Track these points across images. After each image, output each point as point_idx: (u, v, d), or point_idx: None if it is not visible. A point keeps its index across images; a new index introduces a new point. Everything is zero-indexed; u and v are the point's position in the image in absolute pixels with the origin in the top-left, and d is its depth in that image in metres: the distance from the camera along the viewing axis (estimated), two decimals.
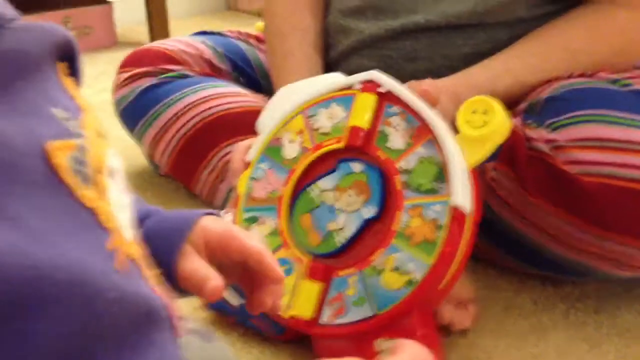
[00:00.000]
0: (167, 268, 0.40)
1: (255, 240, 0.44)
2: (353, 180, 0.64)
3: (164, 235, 0.41)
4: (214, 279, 0.40)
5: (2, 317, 0.22)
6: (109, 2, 1.95)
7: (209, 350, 0.50)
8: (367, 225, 0.63)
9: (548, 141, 0.68)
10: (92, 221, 0.28)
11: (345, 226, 0.64)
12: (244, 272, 0.45)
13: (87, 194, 0.28)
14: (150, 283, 0.31)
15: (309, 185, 0.66)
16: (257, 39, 1.07)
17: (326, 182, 0.65)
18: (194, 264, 0.41)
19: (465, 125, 0.60)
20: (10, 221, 0.24)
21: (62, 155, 0.27)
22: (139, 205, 0.41)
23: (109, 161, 0.30)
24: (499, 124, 0.60)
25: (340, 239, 0.64)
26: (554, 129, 0.69)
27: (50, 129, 0.27)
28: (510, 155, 0.70)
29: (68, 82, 0.31)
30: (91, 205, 0.28)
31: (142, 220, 0.42)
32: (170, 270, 0.41)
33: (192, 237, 0.42)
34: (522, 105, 0.76)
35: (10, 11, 0.29)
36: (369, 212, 0.63)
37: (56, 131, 0.27)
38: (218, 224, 0.43)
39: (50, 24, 0.30)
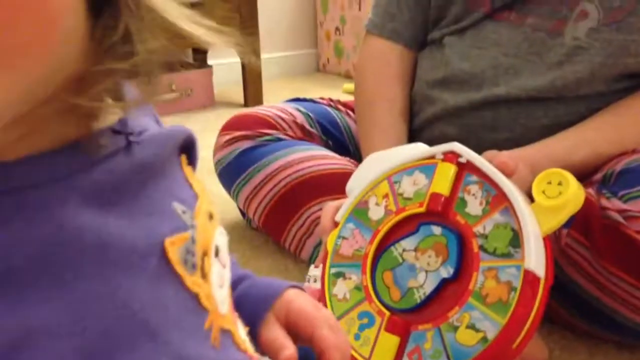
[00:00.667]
0: (251, 331, 0.44)
1: (327, 327, 0.46)
2: (433, 242, 0.70)
3: (252, 301, 0.46)
4: (288, 350, 0.44)
5: None
6: (209, 66, 2.10)
7: None
8: (444, 285, 0.68)
9: (622, 211, 0.72)
10: (194, 304, 0.33)
11: (424, 284, 0.69)
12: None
13: (192, 281, 0.32)
14: (241, 347, 0.37)
15: (391, 244, 0.72)
16: (346, 105, 1.15)
17: (408, 243, 0.71)
18: (274, 333, 0.45)
19: (540, 195, 0.65)
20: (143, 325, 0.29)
21: (175, 249, 0.31)
22: (234, 270, 0.45)
23: (215, 240, 0.36)
24: (572, 195, 0.64)
25: (419, 295, 0.69)
26: (628, 200, 0.72)
27: (170, 225, 0.32)
28: (584, 223, 0.73)
29: (188, 171, 0.36)
30: (195, 290, 0.33)
31: (235, 283, 0.47)
32: (253, 334, 0.45)
33: (276, 306, 0.46)
34: (598, 176, 0.79)
35: (143, 121, 0.34)
36: (447, 272, 0.68)
37: (174, 226, 0.32)
38: (301, 299, 0.47)
39: (173, 127, 0.36)
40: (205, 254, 0.34)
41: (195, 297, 0.33)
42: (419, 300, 0.69)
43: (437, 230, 0.70)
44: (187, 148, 0.37)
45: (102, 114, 0.30)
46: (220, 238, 0.36)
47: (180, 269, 0.31)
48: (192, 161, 0.37)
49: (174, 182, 0.34)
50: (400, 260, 0.71)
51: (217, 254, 0.35)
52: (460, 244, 0.68)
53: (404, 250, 0.71)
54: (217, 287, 0.35)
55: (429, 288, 0.68)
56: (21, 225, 0.26)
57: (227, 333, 0.35)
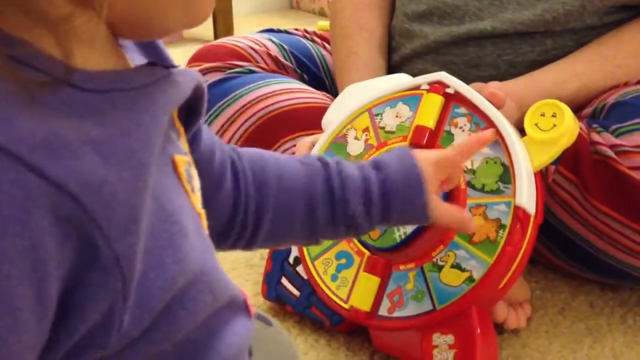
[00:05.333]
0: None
1: None
2: None
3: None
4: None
5: (176, 298, 0.32)
6: None
7: (270, 333, 0.53)
8: None
9: (614, 146, 0.68)
10: (200, 224, 0.35)
11: None
12: None
13: (196, 201, 0.35)
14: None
15: None
16: (322, 38, 1.08)
17: None
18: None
19: (533, 128, 0.61)
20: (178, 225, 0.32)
21: (182, 166, 0.34)
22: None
23: (197, 177, 0.37)
24: (567, 127, 0.60)
25: (399, 235, 0.65)
26: (619, 135, 0.69)
27: (173, 147, 0.34)
28: (574, 159, 0.70)
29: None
30: (199, 210, 0.35)
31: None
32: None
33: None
34: (588, 110, 0.76)
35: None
36: None
37: (175, 148, 0.35)
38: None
39: (194, 71, 0.39)
40: (196, 182, 0.36)
41: (199, 217, 0.35)
42: (398, 240, 0.65)
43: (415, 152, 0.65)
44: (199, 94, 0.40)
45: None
46: (197, 177, 0.38)
47: (187, 185, 0.34)
48: (199, 108, 0.40)
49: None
50: None
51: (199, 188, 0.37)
52: None
53: None
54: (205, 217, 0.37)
55: (410, 227, 0.65)
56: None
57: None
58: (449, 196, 0.63)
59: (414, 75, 0.71)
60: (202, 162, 0.42)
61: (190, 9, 0.32)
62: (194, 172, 0.36)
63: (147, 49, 0.37)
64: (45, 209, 0.25)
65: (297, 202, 0.48)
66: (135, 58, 0.36)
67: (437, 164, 0.51)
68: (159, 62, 0.35)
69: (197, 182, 0.37)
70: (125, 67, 0.33)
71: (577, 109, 0.76)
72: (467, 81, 0.69)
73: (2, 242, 0.24)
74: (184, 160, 0.35)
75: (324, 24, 2.14)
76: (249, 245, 0.48)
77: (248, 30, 2.10)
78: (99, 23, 0.29)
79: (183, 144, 0.37)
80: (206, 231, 0.36)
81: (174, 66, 0.37)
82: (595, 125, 0.71)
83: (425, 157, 0.50)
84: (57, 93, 0.28)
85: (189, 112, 0.39)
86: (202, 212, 0.36)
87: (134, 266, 0.28)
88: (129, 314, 0.29)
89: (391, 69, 0.91)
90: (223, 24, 1.99)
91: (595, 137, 0.70)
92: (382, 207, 0.49)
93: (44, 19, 0.27)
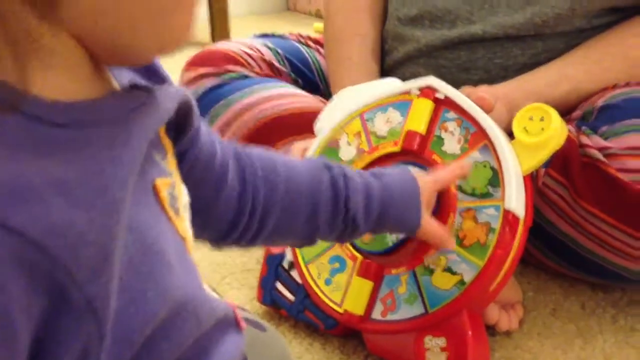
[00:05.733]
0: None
1: None
2: None
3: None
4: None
5: (158, 330, 0.31)
6: None
7: (263, 339, 0.54)
8: None
9: (602, 148, 0.69)
10: (184, 248, 0.35)
11: None
12: None
13: (180, 224, 0.34)
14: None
15: None
16: (316, 42, 1.09)
17: None
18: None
19: (522, 132, 0.62)
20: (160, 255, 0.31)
21: (164, 190, 0.33)
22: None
23: (184, 195, 0.37)
24: (555, 131, 0.61)
25: (392, 238, 0.66)
26: (608, 137, 0.69)
27: (156, 170, 0.34)
28: (563, 162, 0.70)
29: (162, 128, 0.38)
30: (183, 235, 0.35)
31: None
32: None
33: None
34: (577, 112, 0.76)
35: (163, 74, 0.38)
36: None
37: (158, 170, 0.34)
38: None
39: (178, 88, 0.38)
40: (181, 204, 0.35)
41: (183, 241, 0.35)
42: (390, 244, 0.66)
43: (414, 170, 0.66)
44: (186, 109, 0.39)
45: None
46: (186, 196, 0.37)
47: (169, 210, 0.33)
48: (190, 122, 0.39)
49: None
50: None
51: (185, 209, 0.37)
52: None
53: None
54: (190, 238, 0.37)
55: None
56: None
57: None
58: (440, 200, 0.64)
59: (406, 78, 0.72)
60: (203, 163, 0.42)
61: (162, 38, 0.31)
62: (179, 192, 0.36)
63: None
64: (8, 260, 0.25)
65: (302, 202, 0.48)
66: (125, 76, 0.35)
67: (434, 183, 0.56)
68: (146, 80, 0.34)
69: (182, 202, 0.36)
70: (107, 92, 0.32)
71: (567, 111, 0.77)
72: (458, 84, 0.70)
73: None
74: (166, 183, 0.34)
75: (320, 25, 2.14)
76: (251, 243, 0.49)
77: (245, 31, 2.11)
78: (65, 45, 0.28)
79: (169, 162, 0.36)
80: (191, 255, 0.35)
81: (164, 81, 0.37)
82: (584, 128, 0.72)
83: (421, 175, 0.55)
84: (23, 130, 0.26)
85: (177, 127, 0.39)
86: (188, 235, 0.35)
87: (108, 306, 0.28)
88: (105, 353, 0.28)
89: (384, 72, 0.92)
90: (220, 26, 2.00)
91: (585, 139, 0.70)
92: (379, 211, 0.51)
93: (6, 34, 0.25)
